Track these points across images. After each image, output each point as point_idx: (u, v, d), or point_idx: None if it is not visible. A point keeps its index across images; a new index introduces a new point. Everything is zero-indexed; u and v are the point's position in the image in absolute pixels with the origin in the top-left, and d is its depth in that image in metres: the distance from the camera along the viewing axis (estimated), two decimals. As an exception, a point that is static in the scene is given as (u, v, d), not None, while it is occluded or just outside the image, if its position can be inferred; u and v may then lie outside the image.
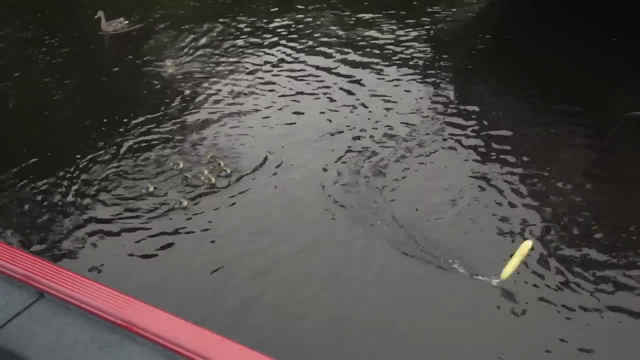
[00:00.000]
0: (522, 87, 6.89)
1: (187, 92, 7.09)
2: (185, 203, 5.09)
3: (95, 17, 8.53)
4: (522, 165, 5.46)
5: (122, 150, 5.94)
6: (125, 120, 6.46)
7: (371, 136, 5.94)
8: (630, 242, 4.52)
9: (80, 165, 5.71)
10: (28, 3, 10.32)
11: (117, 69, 8.00)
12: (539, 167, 5.41)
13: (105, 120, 6.55)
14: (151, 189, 5.29)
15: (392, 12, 8.98)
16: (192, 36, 8.49)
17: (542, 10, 8.83)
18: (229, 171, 5.47)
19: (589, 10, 8.29)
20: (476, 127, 6.09)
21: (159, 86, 7.32)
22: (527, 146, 5.76)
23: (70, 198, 5.29)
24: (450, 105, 6.54)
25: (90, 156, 5.84)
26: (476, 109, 6.44)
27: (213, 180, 5.36)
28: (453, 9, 9.22)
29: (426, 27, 8.52)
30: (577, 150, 5.78)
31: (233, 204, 5.14)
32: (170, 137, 6.16)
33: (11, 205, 5.27)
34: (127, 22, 8.75)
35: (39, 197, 5.31)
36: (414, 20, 8.69)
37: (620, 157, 5.57)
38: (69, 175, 5.57)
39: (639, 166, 5.46)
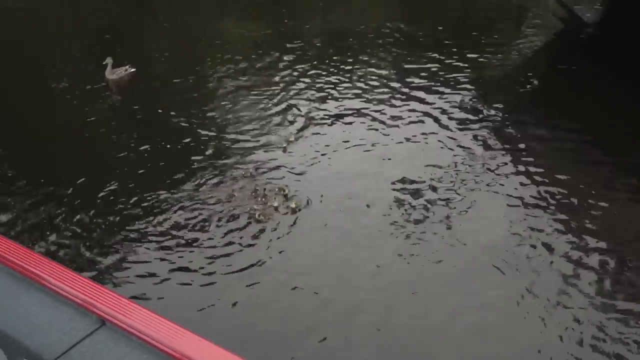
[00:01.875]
0: (575, 134, 6.93)
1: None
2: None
3: (104, 63, 8.68)
4: (575, 211, 5.61)
5: (190, 181, 6.21)
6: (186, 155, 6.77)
7: (423, 178, 6.11)
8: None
9: (137, 196, 5.96)
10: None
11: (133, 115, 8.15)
12: (590, 215, 5.55)
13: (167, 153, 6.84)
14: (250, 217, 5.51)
15: (441, 54, 9.22)
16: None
17: (602, 55, 8.85)
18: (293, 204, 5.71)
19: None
20: (525, 172, 6.23)
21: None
22: (576, 191, 5.89)
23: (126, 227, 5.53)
24: (502, 148, 6.70)
25: (154, 189, 6.10)
26: (525, 153, 6.62)
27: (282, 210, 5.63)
28: (504, 52, 9.48)
29: (476, 69, 8.73)
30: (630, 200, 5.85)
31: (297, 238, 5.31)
32: (229, 167, 6.46)
33: (78, 233, 5.46)
34: (133, 69, 8.89)
35: (105, 224, 5.55)
36: (464, 61, 8.94)
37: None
38: (130, 205, 5.83)
39: None
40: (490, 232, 5.39)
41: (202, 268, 5.07)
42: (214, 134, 7.30)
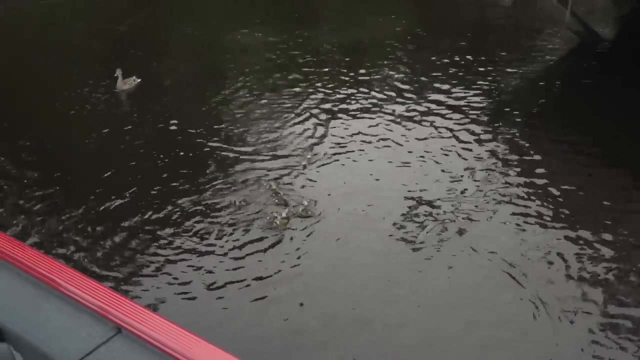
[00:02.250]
0: (589, 146, 6.93)
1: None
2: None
3: (115, 75, 8.77)
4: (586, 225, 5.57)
5: (205, 192, 6.23)
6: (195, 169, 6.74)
7: (436, 192, 6.07)
8: None
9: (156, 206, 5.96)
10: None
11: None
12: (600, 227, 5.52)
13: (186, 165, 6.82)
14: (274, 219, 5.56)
15: (457, 65, 9.25)
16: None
17: (616, 69, 8.82)
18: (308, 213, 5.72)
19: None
20: (538, 182, 6.22)
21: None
22: (590, 203, 5.88)
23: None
24: (514, 161, 6.69)
25: (172, 192, 6.16)
26: (539, 163, 6.61)
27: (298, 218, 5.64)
28: (519, 64, 9.42)
29: (492, 80, 8.73)
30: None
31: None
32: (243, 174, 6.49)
33: (91, 240, 5.49)
34: (139, 79, 8.98)
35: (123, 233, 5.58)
36: (480, 71, 8.96)
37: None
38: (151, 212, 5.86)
39: None
40: (504, 241, 5.37)
41: (212, 276, 5.04)
42: (229, 144, 7.30)
